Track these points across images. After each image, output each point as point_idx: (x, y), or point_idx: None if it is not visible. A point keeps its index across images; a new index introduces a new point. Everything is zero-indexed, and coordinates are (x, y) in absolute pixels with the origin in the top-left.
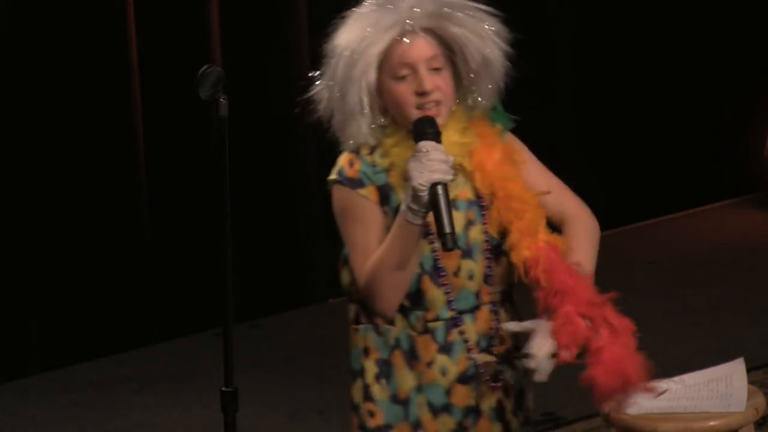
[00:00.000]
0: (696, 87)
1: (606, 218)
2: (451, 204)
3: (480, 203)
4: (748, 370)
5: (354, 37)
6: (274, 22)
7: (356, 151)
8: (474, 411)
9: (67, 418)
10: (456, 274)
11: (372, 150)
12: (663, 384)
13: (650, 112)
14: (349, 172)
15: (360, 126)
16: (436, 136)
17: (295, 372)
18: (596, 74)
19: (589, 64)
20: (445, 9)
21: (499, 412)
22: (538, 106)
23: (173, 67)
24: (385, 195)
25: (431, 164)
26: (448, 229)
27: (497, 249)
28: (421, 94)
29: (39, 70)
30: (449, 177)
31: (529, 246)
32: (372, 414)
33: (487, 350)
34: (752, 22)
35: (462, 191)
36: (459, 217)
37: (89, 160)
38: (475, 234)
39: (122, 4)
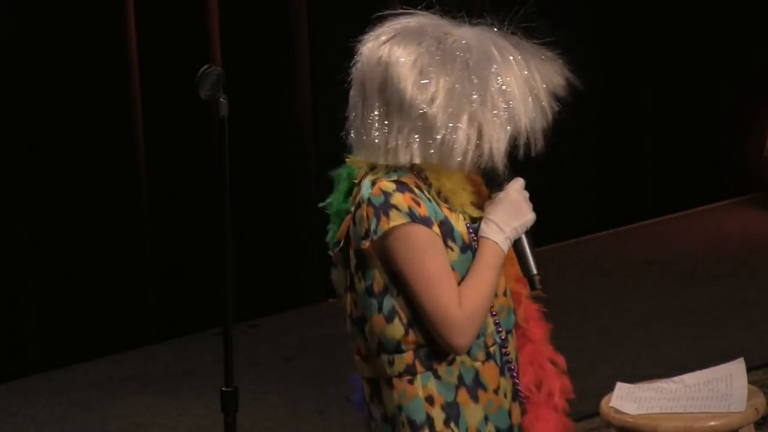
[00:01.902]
0: (696, 87)
1: (606, 218)
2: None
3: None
4: (748, 370)
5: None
6: (274, 22)
7: (408, 189)
8: (518, 428)
9: (67, 418)
10: (504, 293)
11: (416, 185)
12: (663, 384)
13: (650, 112)
14: (420, 211)
15: (467, 155)
16: (509, 173)
17: (295, 372)
18: (596, 74)
19: (589, 64)
20: None
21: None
22: None
23: (173, 67)
24: (448, 229)
25: (529, 203)
26: (536, 270)
27: None
28: None
29: (39, 70)
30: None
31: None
32: None
33: (518, 366)
34: (752, 22)
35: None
36: None
37: (89, 160)
38: None
39: (122, 4)
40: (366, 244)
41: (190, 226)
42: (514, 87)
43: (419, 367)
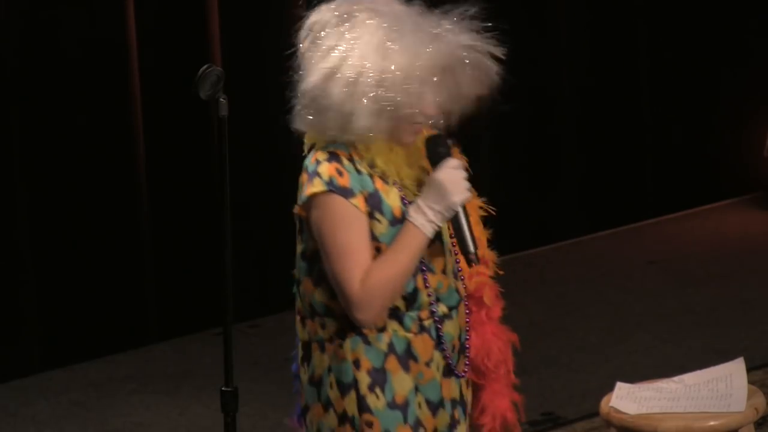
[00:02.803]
0: (696, 87)
1: (606, 218)
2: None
3: None
4: (748, 370)
5: (409, 58)
6: (273, 22)
7: (336, 160)
8: (460, 404)
9: (67, 418)
10: (443, 271)
11: (349, 158)
12: (663, 383)
13: (650, 112)
14: (341, 181)
15: (380, 127)
16: (450, 154)
17: None
18: (596, 74)
19: (589, 64)
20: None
21: (465, 407)
22: (539, 107)
23: (173, 67)
24: (376, 201)
25: (463, 182)
26: (473, 248)
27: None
28: (428, 117)
29: (39, 69)
30: (471, 195)
31: (471, 273)
32: (370, 424)
33: (463, 345)
34: (753, 22)
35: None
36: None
37: (89, 160)
38: (443, 231)
39: (122, 5)
40: (296, 208)
41: (190, 225)
42: (411, 62)
43: (349, 332)
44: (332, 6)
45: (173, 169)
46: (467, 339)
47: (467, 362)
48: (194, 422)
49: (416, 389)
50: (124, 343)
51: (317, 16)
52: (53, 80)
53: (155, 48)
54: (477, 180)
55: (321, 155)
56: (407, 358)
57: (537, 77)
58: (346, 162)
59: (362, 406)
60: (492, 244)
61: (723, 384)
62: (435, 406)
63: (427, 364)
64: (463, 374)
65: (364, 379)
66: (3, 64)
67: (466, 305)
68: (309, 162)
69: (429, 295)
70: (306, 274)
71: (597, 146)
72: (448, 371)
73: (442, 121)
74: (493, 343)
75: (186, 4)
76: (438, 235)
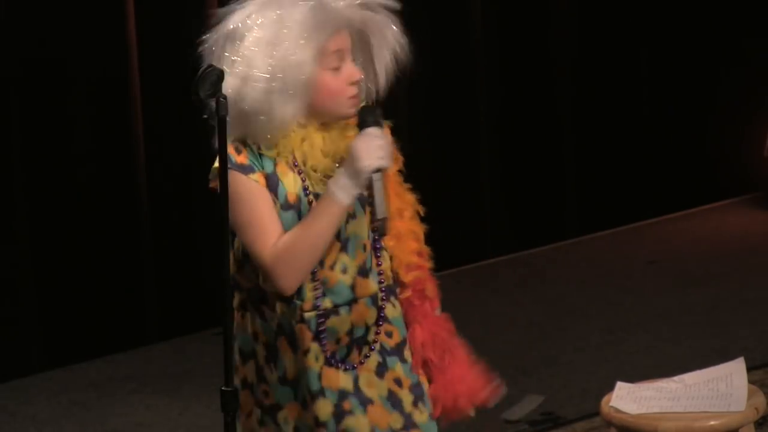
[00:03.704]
0: (695, 87)
1: (606, 218)
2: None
3: (364, 198)
4: (748, 369)
5: (292, 33)
6: None
7: (240, 142)
8: (355, 396)
9: (67, 418)
10: (332, 267)
11: (253, 143)
12: (663, 383)
13: (650, 112)
14: (238, 159)
15: (285, 121)
16: (379, 124)
17: None
18: (597, 74)
19: (589, 64)
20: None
21: (393, 402)
22: (539, 107)
23: (173, 67)
24: (273, 183)
25: (378, 150)
26: (382, 215)
27: (375, 245)
28: (355, 83)
29: (39, 69)
30: (388, 164)
31: (410, 266)
32: (266, 394)
33: (363, 339)
34: (753, 21)
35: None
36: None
37: (89, 160)
38: (354, 227)
39: (122, 4)
40: (210, 183)
41: (190, 225)
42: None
43: (249, 305)
44: (227, 16)
45: (173, 169)
46: (368, 334)
47: (368, 354)
48: (194, 422)
49: (301, 372)
50: (124, 343)
51: (216, 32)
52: (53, 80)
53: (155, 48)
54: (476, 180)
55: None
56: (293, 341)
57: (536, 77)
58: (249, 144)
59: (261, 376)
60: (428, 239)
61: (723, 384)
62: (314, 394)
63: (305, 353)
64: (353, 366)
65: (261, 352)
66: (2, 64)
67: (373, 305)
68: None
69: (315, 289)
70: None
71: (597, 146)
72: (332, 363)
73: (371, 88)
74: (437, 334)
75: (186, 4)
76: (386, 224)
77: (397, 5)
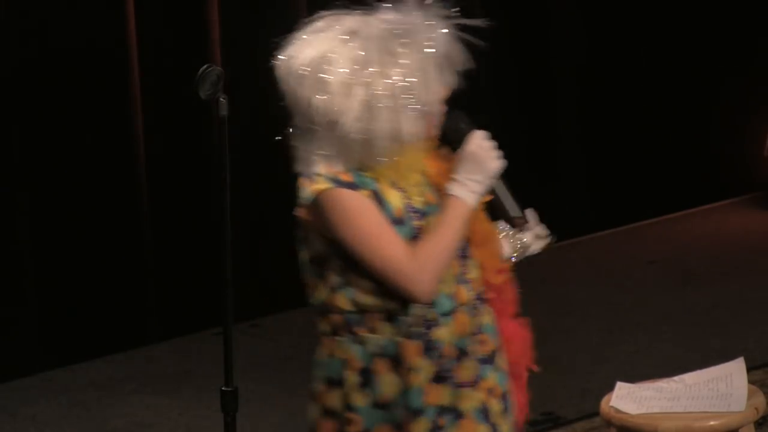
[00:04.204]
0: (696, 87)
1: (606, 218)
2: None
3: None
4: (748, 369)
5: (432, 65)
6: (273, 22)
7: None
8: (450, 411)
9: (67, 418)
10: None
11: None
12: (663, 383)
13: (650, 112)
14: (344, 178)
15: (408, 142)
16: (472, 128)
17: (295, 372)
18: (597, 75)
19: (591, 64)
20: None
21: (483, 413)
22: (541, 108)
23: (173, 67)
24: (378, 201)
25: (492, 150)
26: (516, 212)
27: (464, 253)
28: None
29: (39, 69)
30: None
31: (497, 270)
32: (350, 421)
33: (464, 350)
34: (753, 21)
35: (428, 196)
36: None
37: (89, 160)
38: None
39: (122, 4)
40: (299, 211)
41: (190, 225)
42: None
43: (343, 331)
44: (305, 43)
45: (173, 169)
46: (467, 344)
47: (468, 365)
48: (194, 422)
49: (403, 393)
50: (124, 343)
51: (300, 57)
52: (53, 80)
53: (155, 48)
54: None
55: (322, 168)
56: (395, 361)
57: (538, 77)
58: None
59: (347, 404)
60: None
61: (723, 384)
62: (415, 412)
63: (412, 370)
64: (461, 384)
65: (353, 378)
66: (3, 64)
67: (471, 313)
68: (303, 166)
69: (428, 306)
70: (310, 276)
71: (597, 146)
72: (440, 378)
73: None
74: (514, 341)
75: (186, 4)
76: (525, 218)
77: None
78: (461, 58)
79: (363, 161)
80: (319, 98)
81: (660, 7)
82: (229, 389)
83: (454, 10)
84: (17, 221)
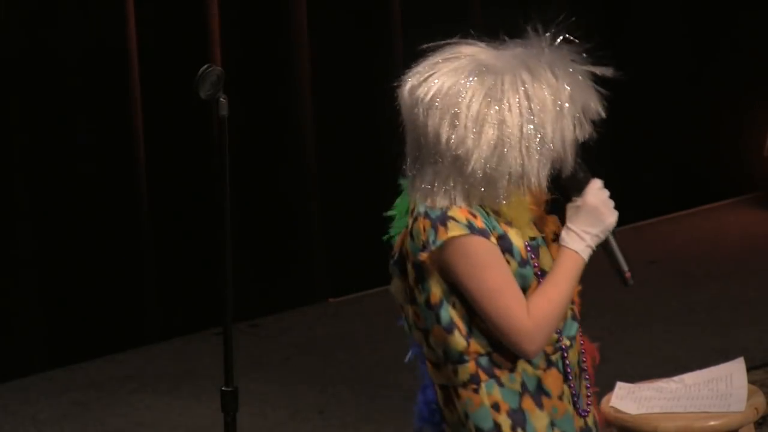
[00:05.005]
0: (695, 87)
1: None
2: None
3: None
4: (748, 369)
5: (565, 107)
6: (274, 22)
7: (467, 204)
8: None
9: (67, 418)
10: None
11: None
12: (663, 383)
13: (650, 112)
14: (477, 223)
15: (545, 176)
16: (590, 176)
17: (295, 372)
18: (596, 75)
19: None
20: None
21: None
22: None
23: (173, 67)
24: (507, 243)
25: (610, 203)
26: (627, 268)
27: None
28: None
29: (39, 69)
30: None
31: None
32: None
33: (583, 370)
34: (753, 21)
35: (534, 230)
36: (555, 248)
37: (89, 160)
38: None
39: (122, 4)
40: (424, 255)
41: (190, 225)
42: (544, 112)
43: (482, 375)
44: (435, 73)
45: (173, 169)
46: (584, 361)
47: (588, 385)
48: (194, 422)
49: (552, 424)
50: (124, 343)
51: (431, 87)
52: (53, 80)
53: (155, 48)
54: None
55: (442, 201)
56: (540, 394)
57: None
58: (475, 204)
59: None
60: None
61: (723, 384)
62: None
63: (560, 398)
64: (585, 411)
65: (505, 422)
66: (3, 65)
67: (580, 332)
68: (427, 206)
69: (557, 332)
70: (435, 323)
71: (597, 146)
72: (575, 399)
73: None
74: (589, 353)
75: (186, 4)
76: (632, 275)
77: (607, 72)
78: (594, 103)
79: (484, 199)
80: (449, 132)
81: (659, 7)
82: (229, 389)
83: (583, 49)
84: (17, 221)
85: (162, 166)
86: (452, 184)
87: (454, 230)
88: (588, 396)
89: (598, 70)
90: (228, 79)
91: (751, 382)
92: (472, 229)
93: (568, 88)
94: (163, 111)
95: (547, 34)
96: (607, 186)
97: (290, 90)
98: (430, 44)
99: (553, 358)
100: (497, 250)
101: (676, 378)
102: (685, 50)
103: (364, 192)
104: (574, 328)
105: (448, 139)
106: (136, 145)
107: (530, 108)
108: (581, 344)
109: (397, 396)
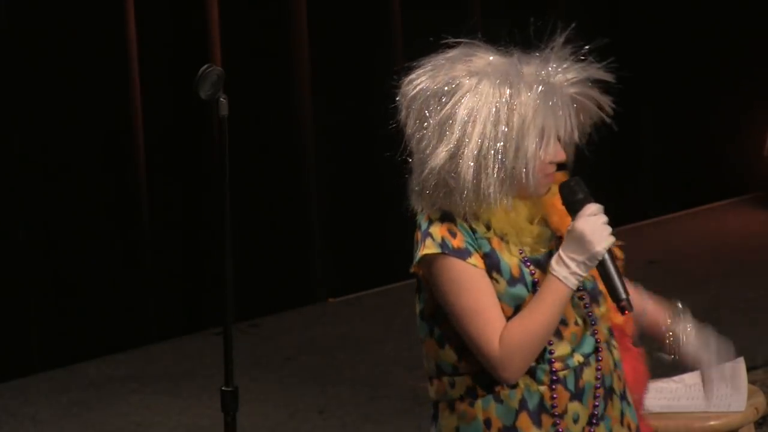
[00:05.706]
0: (695, 86)
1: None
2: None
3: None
4: (748, 369)
5: (520, 117)
6: (274, 22)
7: (449, 219)
8: None
9: (67, 418)
10: (576, 322)
11: (464, 217)
12: (663, 383)
13: (650, 112)
14: (455, 243)
15: (493, 197)
16: (590, 198)
17: (295, 372)
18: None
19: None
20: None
21: None
22: None
23: (173, 67)
24: (494, 261)
25: (605, 228)
26: (624, 295)
27: (594, 292)
28: (556, 163)
29: (39, 69)
30: (614, 241)
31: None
32: None
33: (611, 388)
34: (753, 21)
35: (551, 245)
36: None
37: (89, 160)
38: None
39: (122, 4)
40: (414, 267)
41: (190, 225)
42: (522, 118)
43: (480, 390)
44: (428, 73)
45: (173, 168)
46: (612, 381)
47: (616, 404)
48: (194, 422)
49: None
50: (124, 343)
51: (414, 88)
52: (53, 80)
53: (155, 48)
54: None
55: (434, 214)
56: (540, 412)
57: None
58: (459, 220)
59: None
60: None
61: (723, 384)
62: None
63: (561, 416)
64: (609, 420)
65: None
66: (3, 64)
67: (608, 349)
68: (422, 220)
69: (563, 348)
70: (428, 335)
71: (597, 146)
72: (594, 420)
73: (569, 160)
74: (638, 372)
75: (186, 4)
76: (630, 302)
77: (608, 77)
78: (591, 114)
79: (451, 209)
80: (418, 133)
81: (659, 7)
82: (229, 389)
83: (585, 53)
84: (17, 221)
85: (162, 166)
86: (422, 190)
87: (427, 248)
88: (623, 417)
89: (600, 76)
90: (228, 79)
91: (751, 382)
92: (444, 248)
93: (548, 110)
94: (163, 111)
95: (553, 46)
96: (607, 186)
97: (290, 90)
98: (430, 44)
99: (562, 374)
100: (473, 272)
101: (676, 378)
102: (685, 50)
103: (364, 192)
104: (590, 345)
105: (419, 140)
106: (136, 145)
107: (497, 122)
108: (614, 364)
109: (397, 396)
